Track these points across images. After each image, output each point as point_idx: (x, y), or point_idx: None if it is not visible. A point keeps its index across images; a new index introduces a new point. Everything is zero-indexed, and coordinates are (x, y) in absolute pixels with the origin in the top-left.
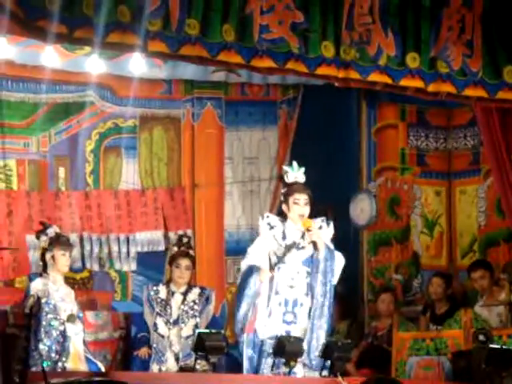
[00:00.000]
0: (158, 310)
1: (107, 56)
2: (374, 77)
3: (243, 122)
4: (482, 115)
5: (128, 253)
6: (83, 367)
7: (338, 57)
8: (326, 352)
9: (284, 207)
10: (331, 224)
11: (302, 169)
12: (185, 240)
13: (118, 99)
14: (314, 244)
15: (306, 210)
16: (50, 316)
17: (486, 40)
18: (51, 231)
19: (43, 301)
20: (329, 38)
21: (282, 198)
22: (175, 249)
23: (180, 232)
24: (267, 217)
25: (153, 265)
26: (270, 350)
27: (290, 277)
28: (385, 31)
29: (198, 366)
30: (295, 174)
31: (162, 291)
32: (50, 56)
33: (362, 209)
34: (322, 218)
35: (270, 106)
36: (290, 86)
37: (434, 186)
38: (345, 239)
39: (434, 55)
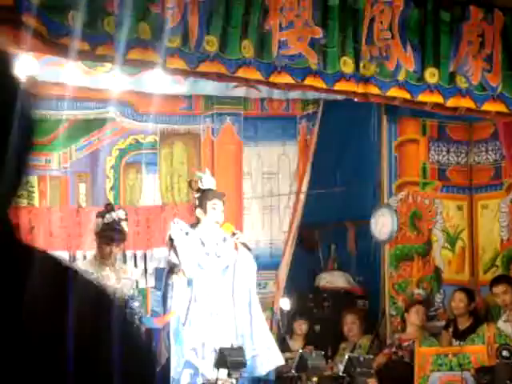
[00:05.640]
0: None
1: (128, 72)
2: (393, 92)
3: (262, 137)
4: (503, 129)
5: (145, 269)
6: None
7: (358, 72)
8: (348, 367)
9: (199, 212)
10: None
11: (213, 178)
12: None
13: (138, 115)
14: (244, 245)
15: (222, 217)
16: None
17: (505, 55)
18: (109, 217)
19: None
20: (348, 53)
21: (197, 203)
22: None
23: None
24: (177, 222)
25: None
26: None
27: (209, 285)
28: (404, 46)
29: (219, 382)
30: (210, 179)
31: None
32: (71, 73)
33: (383, 223)
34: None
35: (289, 121)
36: (310, 101)
37: (456, 201)
38: (366, 254)
39: (453, 70)
